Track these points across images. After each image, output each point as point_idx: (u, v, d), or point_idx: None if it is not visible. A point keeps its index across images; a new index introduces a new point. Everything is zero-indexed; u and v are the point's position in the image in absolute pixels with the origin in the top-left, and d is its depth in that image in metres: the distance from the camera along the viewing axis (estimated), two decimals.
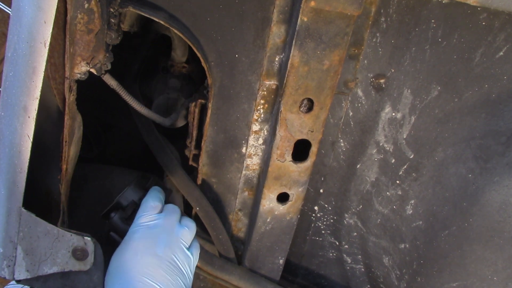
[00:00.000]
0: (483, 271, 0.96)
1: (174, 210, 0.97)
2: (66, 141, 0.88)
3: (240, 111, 0.98)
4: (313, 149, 0.95)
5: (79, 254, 0.89)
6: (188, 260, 0.93)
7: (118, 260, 0.87)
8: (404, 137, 0.98)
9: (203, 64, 0.91)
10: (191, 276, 0.93)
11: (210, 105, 0.97)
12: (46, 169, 0.91)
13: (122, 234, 0.94)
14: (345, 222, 1.16)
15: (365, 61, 0.93)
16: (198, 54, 0.90)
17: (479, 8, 0.82)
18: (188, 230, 0.96)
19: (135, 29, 1.05)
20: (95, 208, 1.11)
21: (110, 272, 0.87)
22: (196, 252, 0.97)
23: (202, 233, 1.19)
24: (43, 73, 0.75)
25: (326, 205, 1.16)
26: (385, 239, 1.12)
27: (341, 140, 1.04)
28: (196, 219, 1.13)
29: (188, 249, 0.94)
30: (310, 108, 0.90)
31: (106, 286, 0.86)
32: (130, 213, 0.98)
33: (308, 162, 0.96)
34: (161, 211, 0.95)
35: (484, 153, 0.90)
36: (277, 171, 0.97)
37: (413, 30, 0.87)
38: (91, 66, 0.85)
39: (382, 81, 0.95)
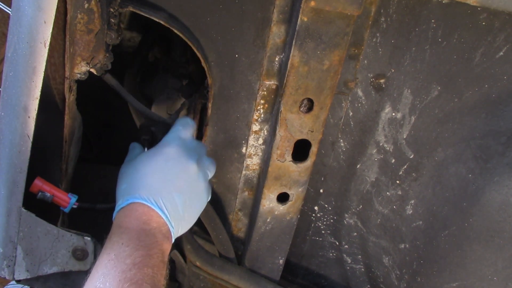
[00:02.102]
0: (483, 271, 0.96)
1: (202, 145, 0.96)
2: (66, 141, 0.88)
3: (240, 111, 0.98)
4: (313, 149, 0.95)
5: (79, 254, 0.89)
6: (208, 192, 0.92)
7: (147, 161, 0.83)
8: (404, 137, 0.98)
9: (203, 64, 0.91)
10: (207, 201, 0.94)
11: (210, 105, 0.97)
12: (46, 169, 0.91)
13: (157, 133, 0.92)
14: (345, 222, 1.16)
15: (365, 61, 0.93)
16: (198, 54, 0.90)
17: (479, 8, 0.82)
18: (212, 165, 0.95)
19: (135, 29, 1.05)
20: (94, 200, 1.11)
21: (133, 170, 0.83)
22: (210, 190, 0.97)
23: (202, 233, 1.19)
24: (43, 73, 0.75)
25: (326, 205, 1.16)
26: (385, 239, 1.12)
27: (341, 140, 1.04)
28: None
29: (208, 183, 0.94)
30: (310, 108, 0.90)
31: (123, 184, 0.82)
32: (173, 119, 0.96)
33: (308, 162, 0.96)
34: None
35: (484, 153, 0.90)
36: (277, 171, 0.97)
37: (413, 30, 0.87)
38: (91, 66, 0.85)
39: (382, 81, 0.95)
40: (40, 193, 0.84)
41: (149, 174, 0.81)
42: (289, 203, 1.03)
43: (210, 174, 0.94)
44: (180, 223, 0.83)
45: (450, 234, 0.98)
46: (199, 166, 0.88)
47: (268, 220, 1.05)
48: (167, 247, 0.79)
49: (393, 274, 1.14)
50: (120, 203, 0.80)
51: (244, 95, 0.95)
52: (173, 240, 0.82)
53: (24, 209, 0.83)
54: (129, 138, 1.47)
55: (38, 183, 0.83)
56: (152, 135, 0.92)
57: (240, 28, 0.87)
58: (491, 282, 0.97)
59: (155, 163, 0.82)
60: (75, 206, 0.88)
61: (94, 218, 1.09)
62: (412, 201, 1.03)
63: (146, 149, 0.92)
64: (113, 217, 0.81)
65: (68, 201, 0.86)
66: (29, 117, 0.77)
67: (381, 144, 1.01)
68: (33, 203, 0.85)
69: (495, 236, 0.92)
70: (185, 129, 0.91)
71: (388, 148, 1.01)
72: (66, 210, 0.87)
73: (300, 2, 0.77)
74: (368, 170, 1.06)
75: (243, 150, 1.03)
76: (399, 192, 1.04)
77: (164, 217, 0.78)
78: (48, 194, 0.84)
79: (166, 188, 0.80)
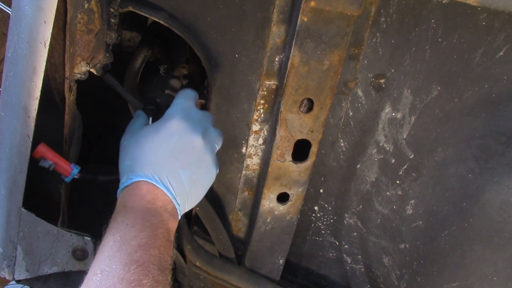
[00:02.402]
0: (483, 271, 0.96)
1: (208, 114, 0.91)
2: (66, 141, 0.88)
3: (240, 111, 0.98)
4: (313, 149, 0.95)
5: (79, 254, 0.89)
6: (216, 166, 0.88)
7: (150, 137, 0.80)
8: (404, 137, 0.98)
9: (203, 64, 0.91)
10: (214, 177, 0.89)
11: (210, 105, 0.97)
12: (46, 169, 0.91)
13: (161, 103, 0.89)
14: (345, 222, 1.16)
15: (365, 61, 0.93)
16: (198, 54, 0.90)
17: (479, 8, 0.82)
18: (219, 137, 0.90)
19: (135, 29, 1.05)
20: (95, 208, 1.11)
21: (137, 145, 0.80)
22: (218, 165, 0.92)
23: (202, 233, 1.19)
24: (43, 73, 0.75)
25: (326, 205, 1.16)
26: (385, 239, 1.12)
27: (341, 140, 1.04)
28: (196, 219, 1.13)
29: (215, 156, 0.90)
30: (310, 108, 0.90)
31: (127, 160, 0.80)
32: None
33: (308, 162, 0.96)
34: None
35: (484, 153, 0.90)
36: (277, 171, 0.97)
37: (413, 30, 0.87)
38: (91, 66, 0.85)
39: (382, 81, 0.95)
40: (42, 160, 0.82)
41: (153, 151, 0.78)
42: (289, 203, 1.03)
43: (218, 146, 0.90)
44: (186, 199, 0.80)
45: (450, 234, 0.98)
46: (205, 139, 0.84)
47: (268, 220, 1.05)
48: (173, 225, 0.76)
49: (393, 274, 1.14)
50: (124, 180, 0.78)
51: (244, 95, 0.95)
52: (179, 217, 0.79)
53: (24, 209, 0.83)
54: None
55: (42, 149, 0.80)
56: (157, 105, 0.89)
57: (240, 28, 0.87)
58: (491, 282, 0.97)
59: (159, 139, 0.79)
60: (76, 177, 0.86)
61: (94, 218, 1.09)
62: (412, 201, 1.03)
63: (150, 120, 0.88)
64: (117, 194, 0.79)
65: (70, 171, 0.84)
66: (29, 117, 0.77)
67: (381, 144, 1.01)
68: (33, 203, 0.85)
69: (495, 236, 0.92)
70: (187, 100, 0.87)
71: (388, 148, 1.01)
72: (67, 179, 0.85)
73: (300, 2, 0.77)
74: (368, 170, 1.06)
75: (243, 150, 1.03)
76: (399, 192, 1.04)
77: (169, 195, 0.76)
78: (51, 162, 0.82)
79: (171, 164, 0.77)
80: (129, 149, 0.82)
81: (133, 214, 0.72)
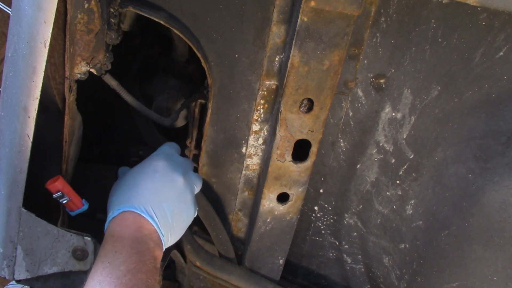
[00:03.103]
0: (483, 271, 0.96)
1: (189, 161, 1.00)
2: (66, 141, 0.88)
3: (240, 111, 0.98)
4: (313, 149, 0.95)
5: (79, 254, 0.89)
6: (195, 206, 0.95)
7: (136, 174, 0.88)
8: (404, 137, 0.98)
9: (203, 64, 0.91)
10: (194, 214, 0.97)
11: (210, 105, 0.97)
12: (46, 169, 0.91)
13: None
14: (345, 222, 1.16)
15: (365, 61, 0.93)
16: (198, 54, 0.90)
17: (479, 8, 0.82)
18: (198, 180, 0.99)
19: (135, 29, 1.05)
20: (95, 208, 1.11)
21: (123, 183, 0.87)
22: (197, 206, 1.00)
23: (202, 233, 1.19)
24: (43, 73, 0.75)
25: (326, 205, 1.16)
26: (385, 239, 1.12)
27: (341, 140, 1.04)
28: (196, 219, 1.13)
29: (194, 198, 0.97)
30: (310, 108, 0.90)
31: (114, 196, 0.86)
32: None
33: (308, 162, 0.96)
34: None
35: (484, 153, 0.90)
36: (277, 171, 0.97)
37: (413, 30, 0.87)
38: (91, 66, 0.85)
39: (382, 81, 0.95)
40: (58, 193, 0.86)
41: (138, 185, 0.85)
42: (289, 203, 1.03)
43: (197, 189, 0.98)
44: (169, 231, 0.86)
45: (450, 234, 0.97)
46: (186, 179, 0.92)
47: (268, 220, 1.05)
48: (159, 254, 0.81)
49: (393, 274, 1.14)
50: (111, 213, 0.83)
51: (244, 95, 0.95)
52: (163, 248, 0.84)
53: (24, 209, 0.83)
54: (129, 138, 1.47)
55: (59, 185, 0.85)
56: (141, 158, 0.97)
57: (240, 28, 0.87)
58: (491, 282, 0.97)
59: (144, 175, 0.87)
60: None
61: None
62: (412, 201, 1.03)
63: None
64: (105, 228, 0.83)
65: (81, 207, 0.89)
66: (29, 117, 0.77)
67: (381, 144, 1.01)
68: (33, 203, 0.85)
69: (495, 236, 0.92)
70: (170, 148, 0.97)
71: (388, 148, 1.01)
72: (72, 213, 0.89)
73: (300, 2, 0.77)
74: (368, 170, 1.06)
75: (243, 150, 1.03)
76: (399, 192, 1.04)
77: (154, 225, 0.81)
78: (66, 197, 0.86)
79: (155, 197, 0.83)
80: (116, 188, 0.89)
81: (121, 242, 0.77)
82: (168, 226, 0.85)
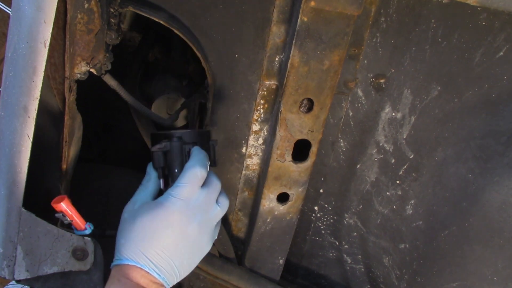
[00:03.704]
0: (483, 271, 0.96)
1: (215, 187, 0.90)
2: (66, 141, 0.88)
3: (240, 111, 0.98)
4: (313, 149, 0.95)
5: (79, 254, 0.89)
6: (212, 239, 0.91)
7: (147, 224, 0.84)
8: (404, 137, 0.98)
9: (203, 64, 0.91)
10: (208, 250, 0.93)
11: (210, 105, 0.97)
12: (46, 169, 0.91)
13: (171, 164, 0.89)
14: (345, 222, 1.16)
15: (365, 61, 0.93)
16: (198, 54, 0.90)
17: (479, 8, 0.82)
18: (221, 210, 0.91)
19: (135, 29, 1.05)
20: (95, 208, 1.11)
21: (135, 229, 0.84)
22: (219, 227, 0.95)
23: None
24: (43, 73, 0.75)
25: (326, 205, 1.16)
26: (385, 239, 1.12)
27: (341, 140, 1.04)
28: None
29: (215, 226, 0.92)
30: (310, 108, 0.90)
31: (123, 238, 0.84)
32: (189, 149, 0.90)
33: (308, 162, 0.96)
34: (204, 182, 0.90)
35: (484, 153, 0.90)
36: (277, 171, 0.97)
37: (413, 30, 0.87)
38: (91, 66, 0.85)
39: (382, 81, 0.95)
40: (60, 215, 0.86)
41: (148, 240, 0.83)
42: (289, 203, 1.03)
43: (217, 221, 0.92)
44: (176, 278, 0.86)
45: (450, 234, 0.98)
46: (202, 224, 0.87)
47: (268, 220, 1.05)
48: None
49: (393, 274, 1.14)
50: (118, 257, 0.84)
51: (244, 95, 0.95)
52: None
53: (24, 209, 0.83)
54: (129, 138, 1.47)
55: (63, 206, 0.84)
56: (166, 162, 0.90)
57: (240, 28, 0.87)
58: (491, 282, 0.97)
59: (155, 228, 0.83)
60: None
61: (94, 218, 1.09)
62: (412, 201, 1.03)
63: (162, 182, 0.91)
64: (111, 266, 0.84)
65: (83, 229, 0.88)
66: (29, 117, 0.77)
67: (381, 144, 1.01)
68: (33, 203, 0.85)
69: (495, 236, 0.92)
70: (194, 180, 0.86)
71: (388, 148, 1.01)
72: (76, 232, 0.89)
73: (300, 2, 0.77)
74: (368, 170, 1.06)
75: (243, 150, 1.03)
76: (399, 192, 1.04)
77: (161, 280, 0.82)
78: (68, 219, 0.86)
79: (165, 254, 0.83)
80: (127, 226, 0.86)
81: None
82: (176, 277, 0.86)
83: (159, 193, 0.89)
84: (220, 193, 0.91)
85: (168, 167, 0.89)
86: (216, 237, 0.94)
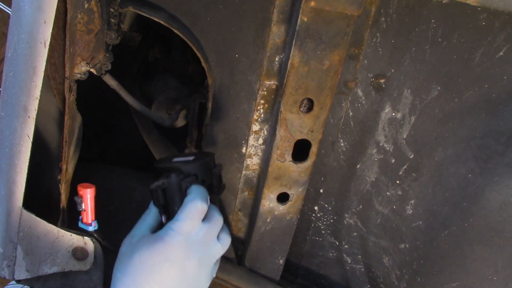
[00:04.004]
0: (483, 271, 0.96)
1: (217, 222, 0.88)
2: (66, 141, 0.88)
3: (240, 111, 0.98)
4: (313, 149, 0.95)
5: (79, 254, 0.89)
6: (210, 277, 0.89)
7: (145, 260, 0.82)
8: (404, 137, 0.98)
9: (203, 64, 0.91)
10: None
11: (210, 105, 0.97)
12: (46, 169, 0.91)
13: (170, 201, 0.86)
14: (345, 222, 1.16)
15: (365, 61, 0.93)
16: (198, 54, 0.90)
17: (479, 8, 0.82)
18: (222, 247, 0.89)
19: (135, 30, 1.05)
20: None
21: (132, 264, 0.82)
22: (218, 265, 0.92)
23: None
24: (43, 73, 0.75)
25: (326, 205, 1.16)
26: (385, 239, 1.12)
27: (341, 140, 1.04)
28: None
29: (215, 263, 0.90)
30: (310, 108, 0.90)
31: (119, 272, 0.82)
32: (187, 186, 0.87)
33: (308, 162, 0.96)
34: (205, 216, 0.88)
35: (484, 153, 0.90)
36: (277, 171, 0.97)
37: (413, 30, 0.87)
38: (91, 66, 0.85)
39: (382, 81, 0.95)
40: (78, 199, 0.86)
41: (145, 275, 0.81)
42: (289, 203, 1.03)
43: (217, 258, 0.90)
44: None
45: (450, 234, 0.98)
46: (202, 262, 0.85)
47: (268, 220, 1.05)
48: None
49: (393, 274, 1.14)
50: None
51: (244, 95, 0.95)
52: None
53: (24, 209, 0.83)
54: (129, 138, 1.47)
55: (87, 194, 0.86)
56: (166, 198, 0.88)
57: (240, 28, 0.87)
58: (491, 282, 0.97)
59: (151, 264, 0.81)
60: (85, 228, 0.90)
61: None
62: (412, 201, 1.03)
63: (164, 218, 0.88)
64: None
65: (89, 224, 0.88)
66: (29, 117, 0.77)
67: (381, 144, 1.01)
68: (33, 203, 0.85)
69: (495, 236, 0.92)
70: (194, 214, 0.84)
71: (388, 148, 1.01)
72: (79, 224, 0.89)
73: (300, 2, 0.77)
74: (368, 170, 1.06)
75: (243, 150, 1.03)
76: (399, 192, 1.04)
77: None
78: (83, 207, 0.86)
79: None
80: (124, 260, 0.84)
81: None
82: None
83: (159, 227, 0.86)
84: (222, 228, 0.89)
85: (168, 204, 0.87)
86: (214, 276, 0.91)
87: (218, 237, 0.87)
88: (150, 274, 0.80)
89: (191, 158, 0.90)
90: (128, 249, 0.84)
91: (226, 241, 0.89)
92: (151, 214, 0.89)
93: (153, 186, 0.86)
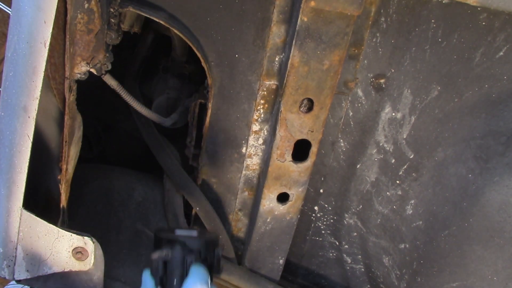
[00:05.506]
0: (483, 271, 0.96)
1: None
2: (66, 141, 0.88)
3: (240, 111, 0.98)
4: (313, 149, 0.95)
5: (79, 254, 0.89)
6: None
7: None
8: (404, 137, 0.98)
9: (203, 64, 0.91)
10: None
11: (210, 105, 0.97)
12: (46, 169, 0.91)
13: (170, 274, 0.85)
14: (345, 222, 1.16)
15: (365, 61, 0.93)
16: (198, 54, 0.90)
17: (479, 8, 0.82)
18: None
19: (136, 30, 1.05)
20: (95, 208, 1.11)
21: None
22: None
23: None
24: (43, 73, 0.75)
25: (326, 205, 1.16)
26: (385, 239, 1.12)
27: (341, 140, 1.04)
28: (196, 219, 1.13)
29: None
30: (310, 108, 0.90)
31: None
32: (191, 261, 0.86)
33: (308, 162, 0.96)
34: None
35: (484, 153, 0.90)
36: (277, 171, 0.97)
37: (413, 30, 0.87)
38: (91, 66, 0.85)
39: (382, 81, 0.95)
40: None
41: None
42: (289, 203, 1.03)
43: None
44: None
45: (450, 234, 0.97)
46: None
47: (268, 220, 1.05)
48: None
49: (393, 274, 1.14)
50: None
51: (244, 95, 0.95)
52: None
53: (24, 209, 0.83)
54: (129, 138, 1.47)
55: None
56: (166, 271, 0.85)
57: (240, 28, 0.87)
58: (491, 282, 0.97)
59: None
60: None
61: (94, 218, 1.09)
62: (412, 201, 1.03)
63: None
64: None
65: None
66: (29, 117, 0.77)
67: (381, 144, 1.01)
68: (33, 203, 0.85)
69: (495, 236, 0.92)
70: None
71: (388, 148, 1.01)
72: None
73: (300, 2, 0.77)
74: (368, 170, 1.06)
75: (243, 150, 1.03)
76: (399, 192, 1.04)
77: None
78: None
79: None
80: None
81: None
82: None
83: None
84: None
85: (167, 277, 0.85)
86: None
87: None
88: None
89: (194, 233, 0.89)
90: None
91: None
92: (147, 283, 0.86)
93: (155, 256, 0.84)
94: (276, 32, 0.88)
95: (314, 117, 0.90)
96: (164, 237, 0.87)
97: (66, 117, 0.86)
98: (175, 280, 0.84)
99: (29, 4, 0.70)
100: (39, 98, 0.76)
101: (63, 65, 0.82)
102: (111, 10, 0.83)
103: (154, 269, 0.84)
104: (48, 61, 0.75)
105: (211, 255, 0.87)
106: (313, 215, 1.18)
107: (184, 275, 0.83)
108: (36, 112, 0.77)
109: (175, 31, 0.87)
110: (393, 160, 1.02)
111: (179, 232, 0.89)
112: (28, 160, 0.80)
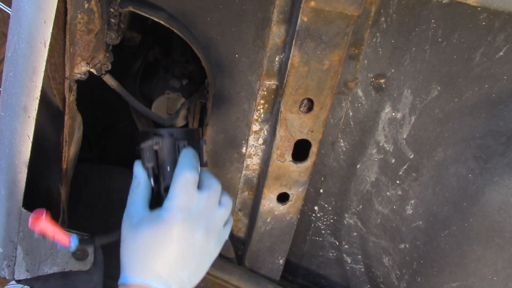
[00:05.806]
0: (483, 271, 0.96)
1: (215, 188, 0.85)
2: (66, 141, 0.88)
3: (240, 111, 0.98)
4: (313, 149, 0.95)
5: (79, 254, 0.89)
6: (220, 242, 0.87)
7: (149, 240, 0.79)
8: (404, 137, 0.98)
9: (203, 64, 0.91)
10: (218, 252, 0.88)
11: (210, 105, 0.97)
12: (46, 169, 0.91)
13: (162, 162, 0.82)
14: (345, 222, 1.16)
15: (365, 61, 0.93)
16: (198, 54, 0.90)
17: (479, 8, 0.82)
18: (225, 210, 0.86)
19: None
20: (95, 208, 1.11)
21: (136, 246, 0.80)
22: (229, 227, 0.90)
23: None
24: (43, 73, 0.75)
25: (326, 205, 1.16)
26: (385, 239, 1.12)
27: (341, 140, 1.04)
28: None
29: (224, 226, 0.88)
30: (310, 108, 0.90)
31: (124, 256, 0.80)
32: (184, 145, 0.83)
33: (308, 162, 0.96)
34: (198, 185, 0.84)
35: (484, 153, 0.90)
36: (277, 171, 0.97)
37: (413, 30, 0.87)
38: (91, 66, 0.85)
39: (382, 81, 0.95)
40: (40, 235, 0.78)
41: (153, 257, 0.79)
42: (289, 203, 1.03)
43: (224, 221, 0.88)
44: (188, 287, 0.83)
45: (450, 234, 0.97)
46: (208, 231, 0.83)
47: (268, 220, 1.05)
48: None
49: (393, 274, 1.13)
50: (125, 276, 0.80)
51: (244, 95, 0.95)
52: None
53: (24, 209, 0.83)
54: (129, 138, 1.47)
55: (41, 224, 0.74)
56: (157, 159, 0.83)
57: (240, 28, 0.87)
58: (491, 282, 0.97)
59: (159, 246, 0.79)
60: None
61: (94, 218, 1.09)
62: (412, 201, 1.03)
63: (152, 181, 0.84)
64: (118, 285, 0.80)
65: (68, 246, 0.79)
66: (29, 117, 0.77)
67: (381, 144, 1.01)
68: (33, 203, 0.85)
69: (495, 236, 0.92)
70: (187, 187, 0.81)
71: (388, 148, 1.01)
72: (59, 248, 0.81)
73: (300, 2, 0.77)
74: (368, 170, 1.06)
75: (243, 150, 1.03)
76: (399, 192, 1.04)
77: None
78: (49, 237, 0.78)
79: (171, 268, 0.79)
80: (129, 245, 0.82)
81: None
82: (186, 286, 0.82)
83: (153, 196, 0.83)
84: (222, 193, 0.86)
85: (159, 166, 0.83)
86: (227, 238, 0.89)
87: (219, 202, 0.85)
88: (158, 255, 0.79)
89: (179, 128, 0.87)
90: (130, 232, 0.82)
91: (228, 203, 0.86)
92: (142, 185, 0.85)
93: (144, 145, 0.81)
94: (276, 32, 0.88)
95: (314, 117, 0.90)
96: (150, 131, 0.84)
97: (66, 117, 0.86)
98: (168, 167, 0.82)
99: (29, 4, 0.70)
100: (39, 98, 0.76)
101: (63, 65, 0.82)
102: (111, 10, 0.83)
103: (145, 159, 0.82)
104: (48, 61, 0.75)
105: (197, 144, 0.85)
106: (313, 215, 1.18)
107: (176, 162, 0.81)
108: (36, 112, 0.77)
109: (175, 31, 0.87)
110: (393, 160, 1.02)
111: (162, 129, 0.86)
112: (28, 160, 0.80)
